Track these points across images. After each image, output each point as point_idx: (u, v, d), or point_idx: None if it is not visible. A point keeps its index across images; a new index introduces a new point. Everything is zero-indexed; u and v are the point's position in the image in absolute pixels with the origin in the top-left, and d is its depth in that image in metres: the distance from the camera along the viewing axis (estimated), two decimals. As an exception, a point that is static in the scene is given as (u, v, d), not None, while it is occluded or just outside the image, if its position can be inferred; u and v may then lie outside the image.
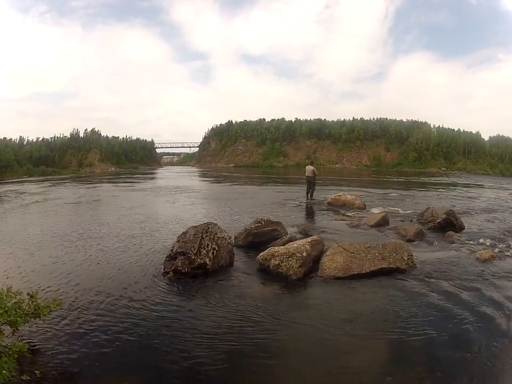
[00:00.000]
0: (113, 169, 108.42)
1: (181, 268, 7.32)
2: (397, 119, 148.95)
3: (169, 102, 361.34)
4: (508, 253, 10.00)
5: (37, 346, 4.83)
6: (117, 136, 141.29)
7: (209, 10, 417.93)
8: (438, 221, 12.80)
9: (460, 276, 7.99)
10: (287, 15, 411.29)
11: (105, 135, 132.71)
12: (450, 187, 38.48)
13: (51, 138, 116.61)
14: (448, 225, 12.63)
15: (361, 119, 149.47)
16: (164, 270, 7.59)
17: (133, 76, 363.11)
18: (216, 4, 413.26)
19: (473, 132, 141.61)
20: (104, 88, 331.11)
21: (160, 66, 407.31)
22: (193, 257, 7.43)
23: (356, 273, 7.70)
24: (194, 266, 7.38)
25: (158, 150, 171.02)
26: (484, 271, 8.37)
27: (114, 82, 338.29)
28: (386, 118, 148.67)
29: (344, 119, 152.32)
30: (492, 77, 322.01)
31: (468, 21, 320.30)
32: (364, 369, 4.66)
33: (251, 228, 10.07)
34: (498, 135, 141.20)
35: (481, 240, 11.34)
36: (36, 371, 4.17)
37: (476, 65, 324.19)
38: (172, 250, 7.83)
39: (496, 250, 10.15)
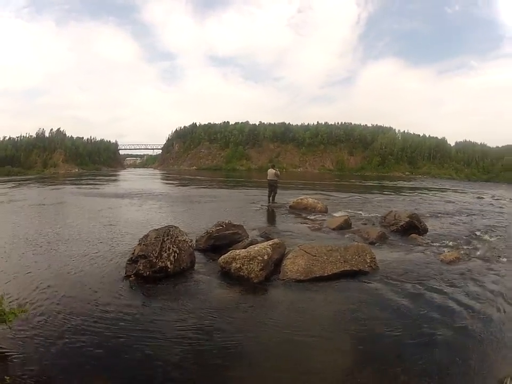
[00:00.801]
0: (77, 170, 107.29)
1: (142, 271, 7.23)
2: (362, 124, 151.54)
3: (137, 102, 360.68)
4: (473, 255, 10.28)
5: (5, 352, 4.72)
6: (81, 136, 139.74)
7: (182, 10, 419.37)
8: (401, 224, 13.01)
9: (424, 277, 8.16)
10: (259, 18, 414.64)
11: (70, 135, 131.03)
12: (414, 191, 39.15)
13: (17, 137, 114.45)
14: (412, 228, 12.88)
15: (326, 123, 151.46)
16: (125, 273, 7.50)
17: (103, 74, 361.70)
18: (189, 4, 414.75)
19: (439, 138, 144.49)
20: (75, 86, 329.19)
21: (130, 65, 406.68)
22: (154, 260, 7.36)
23: (318, 276, 7.73)
24: (155, 269, 7.31)
25: (121, 152, 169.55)
26: (448, 272, 8.58)
27: (85, 81, 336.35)
28: (351, 123, 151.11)
29: (308, 123, 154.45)
30: (463, 84, 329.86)
31: (442, 28, 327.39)
32: (330, 371, 4.70)
33: (212, 231, 10.05)
34: (465, 140, 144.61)
35: (445, 243, 11.63)
36: (5, 376, 4.11)
37: (447, 72, 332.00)
38: (133, 253, 7.74)
39: (461, 252, 10.40)
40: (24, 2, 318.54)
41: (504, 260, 9.94)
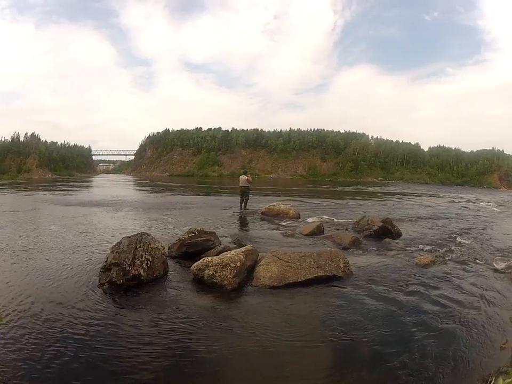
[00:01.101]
0: (50, 175, 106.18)
1: (115, 279, 7.15)
2: (335, 130, 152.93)
3: (111, 108, 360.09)
4: (449, 258, 10.52)
5: None
6: (55, 141, 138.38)
7: (159, 15, 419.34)
8: (374, 228, 13.20)
9: (399, 281, 8.30)
10: (235, 23, 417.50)
11: (44, 140, 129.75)
12: (387, 196, 39.80)
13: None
14: (385, 233, 13.08)
15: (298, 129, 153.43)
16: (99, 281, 7.37)
17: (78, 78, 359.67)
18: (166, 9, 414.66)
19: (413, 143, 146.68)
20: (50, 90, 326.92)
21: (105, 70, 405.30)
22: (127, 268, 7.29)
23: (291, 282, 7.78)
24: (128, 277, 7.24)
25: (94, 157, 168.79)
26: (423, 275, 8.75)
27: (60, 85, 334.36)
28: (324, 129, 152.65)
29: (281, 130, 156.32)
30: (437, 90, 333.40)
31: (419, 35, 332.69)
32: (306, 376, 4.69)
33: (184, 238, 10.00)
34: (439, 145, 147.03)
35: (419, 246, 11.86)
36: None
37: (422, 79, 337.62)
38: (106, 261, 7.61)
39: (436, 255, 10.61)
40: (7, 3, 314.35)
41: (480, 261, 10.23)
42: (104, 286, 7.19)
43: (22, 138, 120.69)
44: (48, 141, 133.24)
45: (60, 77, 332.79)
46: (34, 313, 6.07)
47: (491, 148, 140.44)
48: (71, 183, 58.57)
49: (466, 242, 12.88)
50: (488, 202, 36.92)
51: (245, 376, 4.69)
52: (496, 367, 4.68)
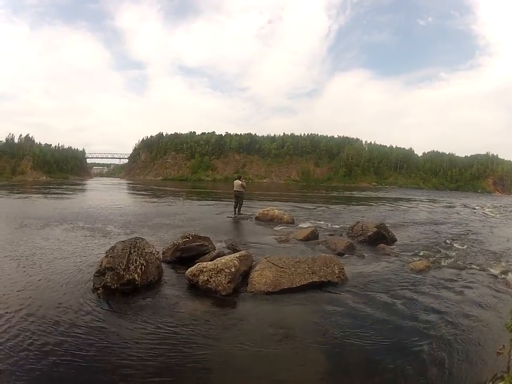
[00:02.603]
0: (45, 178, 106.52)
1: (110, 284, 7.09)
2: (328, 135, 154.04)
3: (104, 111, 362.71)
4: (443, 263, 10.58)
5: None
6: (49, 144, 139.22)
7: (153, 18, 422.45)
8: (368, 234, 13.23)
9: (393, 286, 8.33)
10: (228, 28, 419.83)
11: (38, 142, 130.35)
12: (381, 201, 39.82)
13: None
14: (380, 238, 13.08)
15: (292, 134, 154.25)
16: (93, 286, 7.31)
17: (71, 81, 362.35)
18: (161, 12, 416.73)
19: (406, 148, 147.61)
20: (43, 92, 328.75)
21: (99, 73, 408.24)
22: (122, 272, 7.24)
23: (286, 287, 7.75)
24: (123, 282, 7.19)
25: (88, 160, 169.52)
26: (418, 281, 8.80)
27: (54, 87, 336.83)
28: (317, 134, 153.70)
29: (274, 135, 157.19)
30: (430, 95, 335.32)
31: (413, 40, 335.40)
32: (299, 382, 4.68)
33: (179, 243, 9.97)
34: (433, 150, 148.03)
35: (414, 251, 11.95)
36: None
37: (415, 84, 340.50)
38: (100, 265, 7.54)
39: (431, 260, 10.65)
40: (2, 3, 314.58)
41: (475, 266, 10.26)
42: (99, 291, 7.13)
43: (16, 140, 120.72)
44: (42, 143, 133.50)
45: (53, 79, 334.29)
46: (27, 318, 6.00)
47: (485, 153, 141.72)
48: (67, 186, 58.33)
49: (461, 247, 12.97)
50: (483, 207, 37.14)
51: (239, 382, 4.67)
52: (492, 372, 4.65)
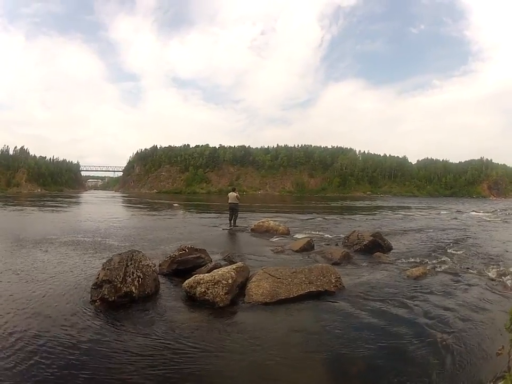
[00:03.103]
0: (39, 190, 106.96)
1: (107, 296, 7.07)
2: (322, 146, 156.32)
3: (99, 122, 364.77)
4: (441, 269, 10.59)
5: None
6: (44, 156, 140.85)
7: (147, 30, 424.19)
8: (364, 243, 13.24)
9: (390, 294, 8.32)
10: (222, 39, 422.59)
11: (33, 154, 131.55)
12: (376, 210, 40.02)
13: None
14: (376, 247, 13.12)
15: (286, 145, 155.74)
16: (91, 298, 7.29)
17: (67, 92, 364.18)
18: (155, 23, 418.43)
19: (400, 156, 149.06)
20: (38, 102, 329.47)
21: (93, 84, 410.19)
22: (119, 285, 7.23)
23: (283, 298, 7.74)
24: (120, 294, 7.18)
25: (83, 173, 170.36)
26: (414, 288, 8.79)
27: (49, 97, 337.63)
28: (311, 145, 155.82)
29: (268, 146, 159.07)
30: (424, 103, 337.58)
31: (406, 48, 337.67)
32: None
33: (175, 255, 9.97)
34: (427, 158, 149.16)
35: (410, 259, 11.96)
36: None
37: (408, 92, 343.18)
38: (97, 278, 7.52)
39: (428, 267, 10.63)
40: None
41: (472, 271, 10.34)
42: (96, 303, 7.11)
43: (11, 152, 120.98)
44: (37, 155, 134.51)
45: (48, 90, 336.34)
46: (25, 331, 5.95)
47: (479, 158, 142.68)
48: (61, 199, 58.94)
49: (457, 252, 13.02)
50: (478, 211, 37.28)
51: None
52: (493, 372, 4.67)
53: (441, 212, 34.76)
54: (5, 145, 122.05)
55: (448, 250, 13.35)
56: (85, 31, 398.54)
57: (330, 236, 17.46)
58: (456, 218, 28.21)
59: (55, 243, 14.24)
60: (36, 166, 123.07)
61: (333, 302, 7.77)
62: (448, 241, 15.58)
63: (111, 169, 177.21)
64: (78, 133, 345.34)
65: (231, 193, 21.29)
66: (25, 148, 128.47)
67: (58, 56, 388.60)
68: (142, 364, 5.10)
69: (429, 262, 11.34)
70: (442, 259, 11.77)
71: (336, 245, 14.69)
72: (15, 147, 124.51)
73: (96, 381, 4.68)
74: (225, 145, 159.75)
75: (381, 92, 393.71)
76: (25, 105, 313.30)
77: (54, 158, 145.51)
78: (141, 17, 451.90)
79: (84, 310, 6.93)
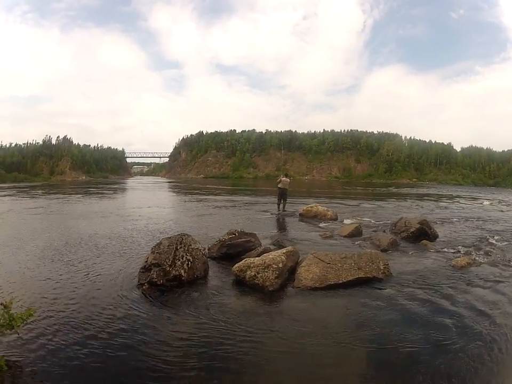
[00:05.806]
0: (84, 177, 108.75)
1: (156, 280, 7.14)
2: (368, 131, 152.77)
3: (142, 111, 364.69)
4: (485, 260, 10.23)
5: (14, 359, 4.61)
6: (88, 144, 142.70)
7: (187, 18, 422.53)
8: (411, 230, 12.92)
9: (437, 283, 8.09)
10: (263, 25, 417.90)
11: (76, 143, 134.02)
12: (422, 197, 39.07)
13: (24, 144, 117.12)
14: (422, 235, 12.79)
15: (332, 131, 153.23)
16: (138, 281, 7.40)
17: (107, 82, 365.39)
18: (194, 12, 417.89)
19: (445, 143, 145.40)
20: (79, 93, 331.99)
21: (135, 73, 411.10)
22: (168, 268, 7.28)
23: (332, 283, 7.65)
24: (169, 278, 7.24)
25: (128, 160, 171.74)
26: (460, 278, 8.51)
27: (89, 88, 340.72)
28: (357, 130, 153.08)
29: (314, 131, 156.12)
30: (467, 89, 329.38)
31: (447, 33, 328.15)
32: (344, 378, 4.64)
33: (225, 239, 9.97)
34: (471, 146, 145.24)
35: (456, 248, 11.60)
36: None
37: (451, 78, 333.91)
38: (146, 261, 7.64)
39: (472, 257, 10.32)
40: (28, 7, 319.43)
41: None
42: (144, 286, 7.18)
43: (53, 141, 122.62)
44: (81, 144, 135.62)
45: (88, 81, 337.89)
46: (72, 313, 6.12)
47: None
48: (108, 186, 60.41)
49: (501, 244, 12.54)
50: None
51: (285, 376, 4.64)
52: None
53: (485, 202, 33.88)
54: (46, 135, 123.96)
55: (493, 242, 12.86)
56: (122, 22, 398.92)
57: (377, 222, 17.22)
58: (500, 209, 27.35)
59: (110, 224, 14.73)
60: (79, 154, 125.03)
61: (380, 289, 7.65)
62: (492, 232, 14.93)
63: (156, 156, 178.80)
64: (122, 122, 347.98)
65: (284, 178, 21.24)
66: (68, 137, 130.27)
67: (97, 47, 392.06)
68: (189, 348, 5.11)
69: (474, 252, 11.04)
70: (487, 250, 11.41)
71: (384, 231, 14.44)
72: (58, 136, 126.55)
73: (141, 364, 4.73)
74: (272, 131, 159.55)
75: (423, 78, 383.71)
76: (65, 97, 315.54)
77: (99, 145, 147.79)
78: (179, 6, 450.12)
79: (132, 293, 7.05)
